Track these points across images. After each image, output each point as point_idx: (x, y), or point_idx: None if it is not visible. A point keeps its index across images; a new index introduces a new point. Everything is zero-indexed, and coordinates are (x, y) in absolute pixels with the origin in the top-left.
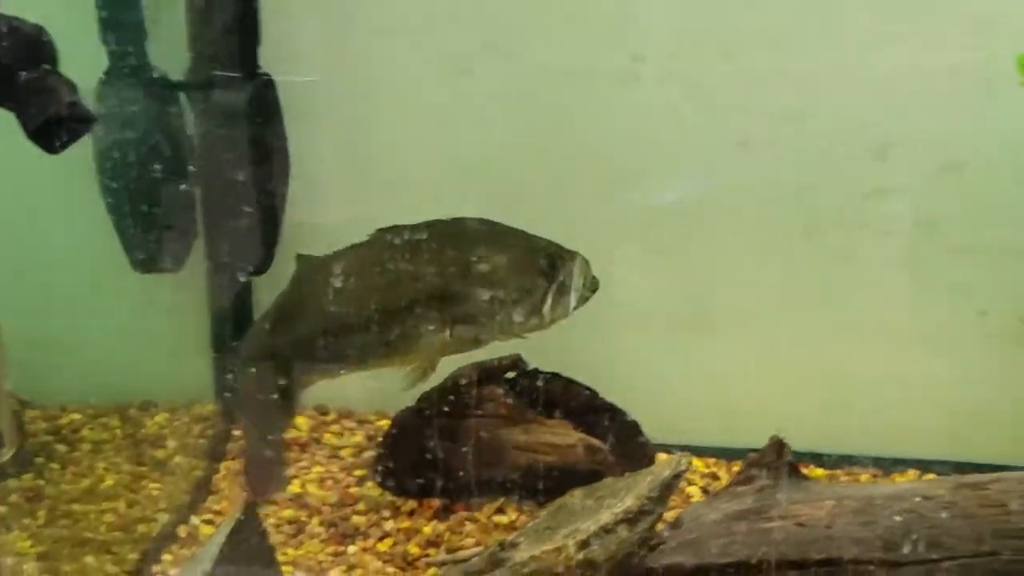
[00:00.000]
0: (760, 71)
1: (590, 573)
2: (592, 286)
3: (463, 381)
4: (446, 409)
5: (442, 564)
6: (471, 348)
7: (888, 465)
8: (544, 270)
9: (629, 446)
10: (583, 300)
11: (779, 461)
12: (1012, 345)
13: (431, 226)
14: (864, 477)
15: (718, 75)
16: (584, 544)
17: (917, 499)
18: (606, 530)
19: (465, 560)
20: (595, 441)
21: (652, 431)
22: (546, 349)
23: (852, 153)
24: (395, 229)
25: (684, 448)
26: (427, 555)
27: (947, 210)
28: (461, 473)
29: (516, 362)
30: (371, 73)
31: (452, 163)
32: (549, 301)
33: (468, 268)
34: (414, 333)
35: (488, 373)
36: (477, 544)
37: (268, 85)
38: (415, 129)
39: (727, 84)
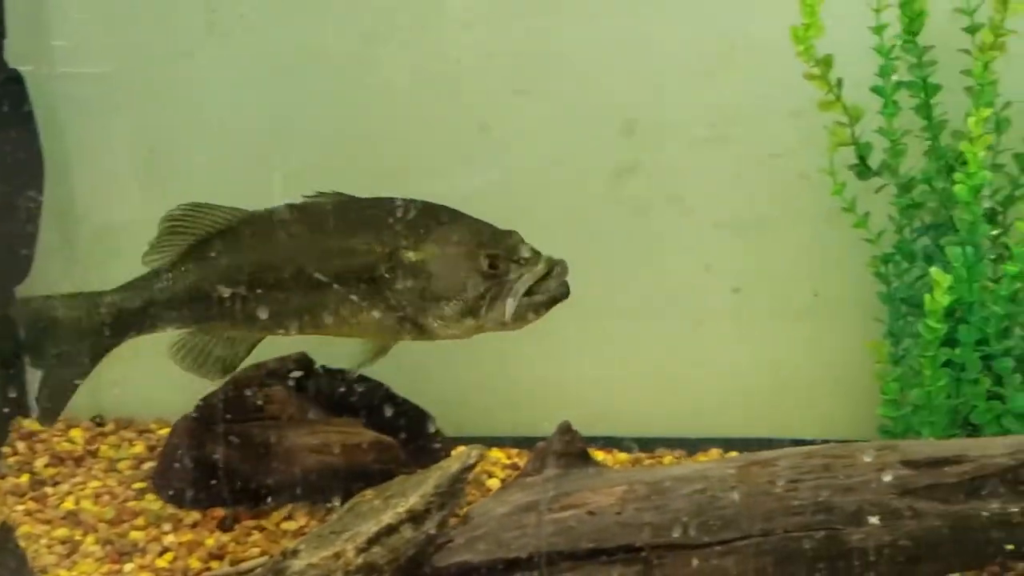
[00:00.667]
0: (501, 46)
1: None
2: (552, 294)
3: (245, 384)
4: (228, 414)
5: None
6: (419, 338)
7: (691, 445)
8: (483, 269)
9: (423, 442)
10: (536, 308)
11: (569, 449)
12: (768, 322)
13: (379, 202)
14: (668, 459)
15: (458, 51)
16: (363, 548)
17: (707, 480)
18: (389, 531)
19: (247, 572)
20: (386, 438)
21: (450, 424)
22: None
23: (600, 130)
24: (335, 197)
25: (487, 440)
26: (209, 568)
27: (698, 185)
28: (246, 480)
29: (302, 361)
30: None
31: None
32: (486, 303)
33: (396, 252)
34: (335, 308)
35: (272, 374)
36: (263, 554)
37: (15, 80)
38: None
39: (467, 60)
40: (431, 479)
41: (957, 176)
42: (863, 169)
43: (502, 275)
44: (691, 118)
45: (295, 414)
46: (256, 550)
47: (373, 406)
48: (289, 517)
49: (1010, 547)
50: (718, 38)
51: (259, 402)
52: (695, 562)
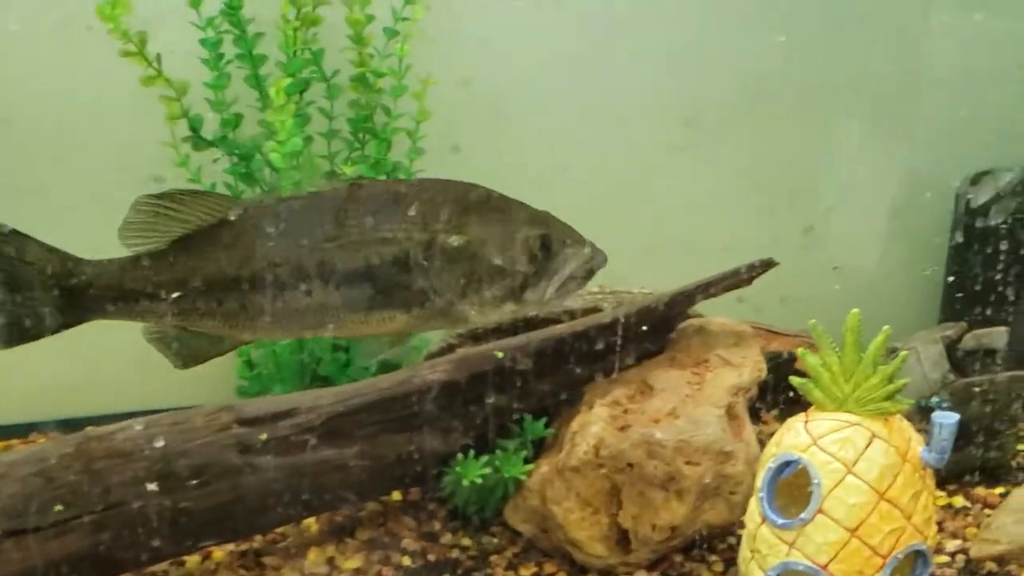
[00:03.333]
0: None
1: None
2: (585, 273)
3: None
4: None
5: None
6: (444, 327)
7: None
8: (534, 252)
9: None
10: (569, 289)
11: None
12: None
13: (413, 185)
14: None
15: None
16: None
17: (44, 462)
18: None
19: None
20: None
21: None
22: None
23: None
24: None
25: None
26: None
27: None
28: None
29: None
30: None
31: None
32: (536, 285)
33: (435, 238)
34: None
35: None
36: None
37: None
38: None
39: None
40: None
41: (271, 145)
42: (197, 140)
43: (550, 257)
44: None
45: None
46: None
47: None
48: None
49: None
50: None
51: None
52: (31, 547)
